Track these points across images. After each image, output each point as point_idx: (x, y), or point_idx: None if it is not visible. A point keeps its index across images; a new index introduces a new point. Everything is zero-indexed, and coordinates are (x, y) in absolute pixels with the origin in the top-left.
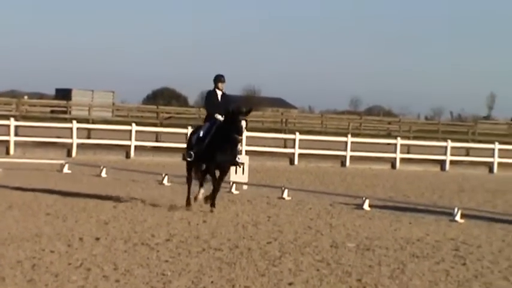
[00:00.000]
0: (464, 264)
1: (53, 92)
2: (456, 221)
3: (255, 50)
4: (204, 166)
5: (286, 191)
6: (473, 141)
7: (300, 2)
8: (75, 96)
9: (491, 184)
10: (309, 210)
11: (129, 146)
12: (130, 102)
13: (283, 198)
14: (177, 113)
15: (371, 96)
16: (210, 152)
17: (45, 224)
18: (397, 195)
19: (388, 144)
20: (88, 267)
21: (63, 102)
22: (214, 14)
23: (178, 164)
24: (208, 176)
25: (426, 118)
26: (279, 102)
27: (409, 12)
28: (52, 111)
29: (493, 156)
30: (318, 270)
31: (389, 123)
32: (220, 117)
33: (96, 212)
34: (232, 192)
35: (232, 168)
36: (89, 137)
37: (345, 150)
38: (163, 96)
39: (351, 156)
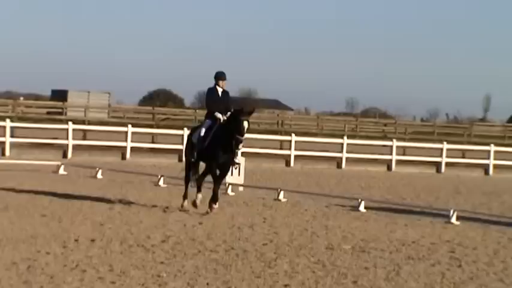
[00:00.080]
0: (459, 266)
1: (48, 93)
2: (452, 223)
3: (251, 52)
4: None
5: (282, 192)
6: (469, 143)
7: (296, 5)
8: (71, 98)
9: (487, 186)
10: (305, 212)
11: (125, 148)
12: (126, 103)
13: (279, 200)
14: (173, 115)
15: (367, 98)
16: (212, 152)
17: (41, 226)
18: (393, 197)
19: (384, 146)
20: (83, 269)
21: (59, 104)
22: (211, 16)
23: (174, 165)
24: (204, 178)
25: (422, 120)
26: (275, 104)
27: (404, 15)
28: (48, 113)
29: (488, 158)
30: (313, 272)
31: (385, 125)
32: (220, 115)
33: (92, 213)
34: (228, 194)
35: None
36: (84, 138)
37: (341, 152)
38: (159, 98)
39: (347, 158)
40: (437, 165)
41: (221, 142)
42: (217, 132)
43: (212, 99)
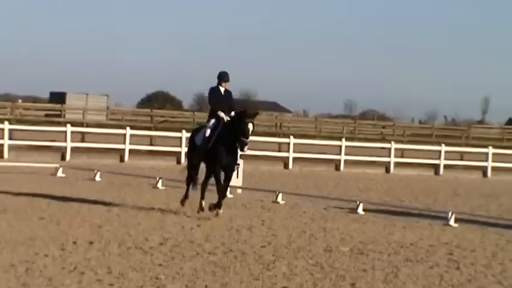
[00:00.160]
0: (458, 268)
1: (47, 96)
2: (450, 225)
3: (250, 54)
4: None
5: (280, 195)
6: (467, 145)
7: (295, 8)
8: (70, 100)
9: (485, 188)
10: (303, 214)
11: (124, 150)
12: (124, 105)
13: (278, 202)
14: (172, 117)
15: (365, 100)
16: (216, 153)
17: (39, 228)
18: (391, 199)
19: (382, 148)
20: (82, 271)
21: (57, 106)
22: (209, 18)
23: (173, 167)
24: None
25: (420, 122)
26: (273, 106)
27: (403, 17)
28: (46, 115)
29: (486, 160)
30: (311, 274)
31: (383, 127)
32: (223, 115)
33: (90, 215)
34: (226, 196)
35: None
36: (83, 141)
37: (339, 154)
38: (157, 100)
39: (345, 160)
40: (436, 167)
41: (226, 143)
42: (222, 132)
43: (215, 98)
